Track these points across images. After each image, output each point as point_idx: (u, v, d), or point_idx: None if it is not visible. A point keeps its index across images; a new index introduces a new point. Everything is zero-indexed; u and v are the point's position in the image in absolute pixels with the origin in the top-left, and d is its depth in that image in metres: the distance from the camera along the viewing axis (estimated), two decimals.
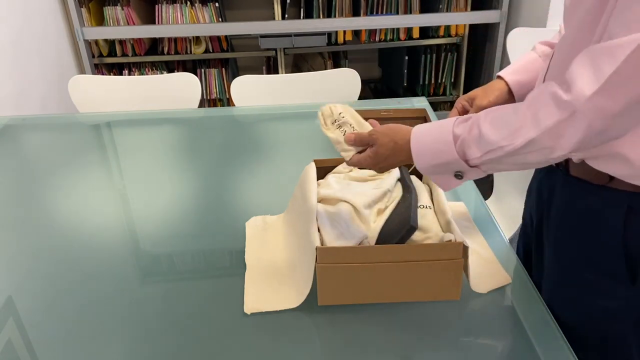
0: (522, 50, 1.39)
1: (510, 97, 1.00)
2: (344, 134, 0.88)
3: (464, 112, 1.00)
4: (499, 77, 1.00)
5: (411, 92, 3.05)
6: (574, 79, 0.65)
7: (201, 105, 1.86)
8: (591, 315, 0.87)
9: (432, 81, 2.98)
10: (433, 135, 0.80)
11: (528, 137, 0.70)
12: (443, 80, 2.99)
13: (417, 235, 0.90)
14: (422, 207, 0.95)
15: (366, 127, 0.89)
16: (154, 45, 2.84)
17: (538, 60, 0.99)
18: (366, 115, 1.54)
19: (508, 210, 1.53)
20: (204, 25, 2.55)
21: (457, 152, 0.76)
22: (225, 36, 2.75)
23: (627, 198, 0.78)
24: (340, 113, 0.91)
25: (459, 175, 0.79)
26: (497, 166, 0.77)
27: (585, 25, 0.72)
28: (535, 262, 1.01)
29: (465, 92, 3.07)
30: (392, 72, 3.09)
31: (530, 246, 1.04)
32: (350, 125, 0.89)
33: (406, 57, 2.90)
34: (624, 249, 0.80)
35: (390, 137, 0.84)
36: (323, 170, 1.06)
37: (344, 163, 1.06)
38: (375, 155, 0.85)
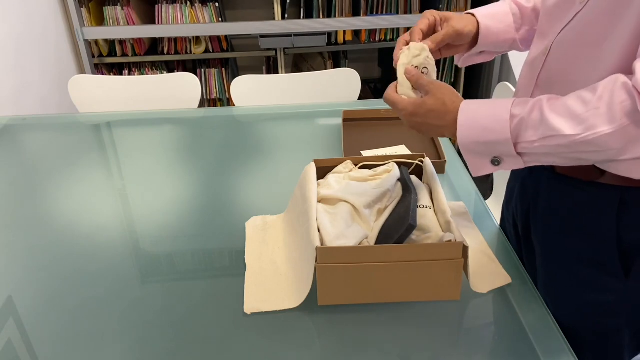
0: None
1: (473, 41, 0.93)
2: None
3: (432, 26, 0.91)
4: (471, 14, 0.93)
5: None
6: None
7: (201, 105, 1.86)
8: (586, 312, 0.87)
9: None
10: (486, 111, 0.74)
11: (600, 131, 0.65)
12: (443, 80, 2.99)
13: (417, 235, 0.90)
14: (422, 207, 0.95)
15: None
16: (154, 45, 2.84)
17: (509, 15, 0.94)
18: (366, 115, 1.55)
19: None
20: (204, 25, 2.55)
21: (511, 132, 0.71)
22: (225, 36, 2.75)
23: (619, 192, 0.78)
24: (428, 57, 0.87)
25: (496, 162, 0.75)
26: (544, 158, 0.72)
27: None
28: (527, 263, 1.01)
29: (465, 92, 3.08)
30: (392, 72, 3.09)
31: (516, 248, 1.04)
32: (425, 70, 0.86)
33: None
34: (618, 243, 0.80)
35: (444, 95, 0.79)
36: (323, 170, 1.06)
37: (344, 163, 1.06)
38: (421, 104, 0.79)
